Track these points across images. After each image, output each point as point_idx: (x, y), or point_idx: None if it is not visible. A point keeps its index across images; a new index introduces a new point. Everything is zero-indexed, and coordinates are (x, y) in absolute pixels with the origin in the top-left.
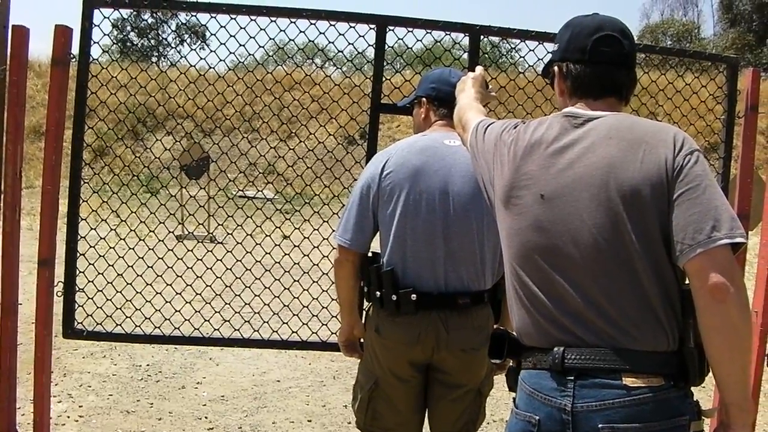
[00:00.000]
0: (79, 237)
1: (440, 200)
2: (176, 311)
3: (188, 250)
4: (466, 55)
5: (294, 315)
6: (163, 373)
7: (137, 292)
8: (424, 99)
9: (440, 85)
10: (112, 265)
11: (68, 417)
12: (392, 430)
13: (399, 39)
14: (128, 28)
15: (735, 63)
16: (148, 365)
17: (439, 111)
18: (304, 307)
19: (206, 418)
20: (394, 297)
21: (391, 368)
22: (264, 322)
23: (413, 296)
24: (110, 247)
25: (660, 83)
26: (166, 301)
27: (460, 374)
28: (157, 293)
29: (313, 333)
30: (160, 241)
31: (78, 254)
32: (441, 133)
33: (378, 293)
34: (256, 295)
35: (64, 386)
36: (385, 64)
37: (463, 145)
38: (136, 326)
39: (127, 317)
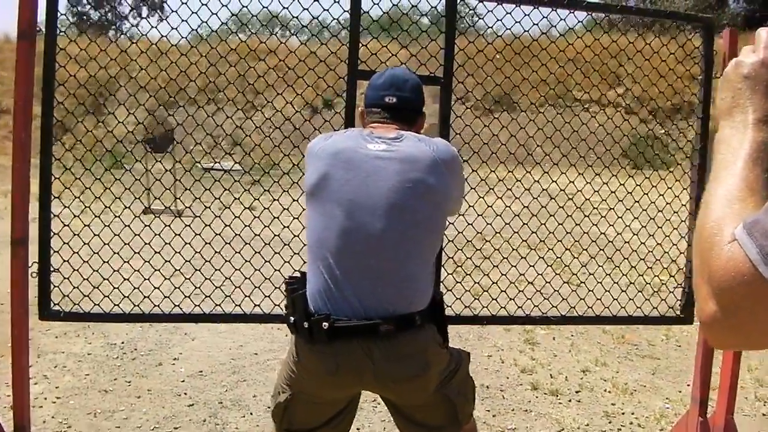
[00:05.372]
0: (52, 215)
1: (353, 211)
2: (155, 288)
3: (166, 226)
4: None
5: (276, 288)
6: (138, 350)
7: (115, 271)
8: (360, 110)
9: (367, 91)
10: (88, 243)
11: (45, 399)
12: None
13: (375, 4)
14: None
15: (710, 23)
16: (122, 343)
17: (367, 118)
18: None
19: (186, 394)
20: (306, 324)
21: (311, 393)
22: (246, 296)
23: (325, 324)
24: (76, 230)
25: (622, 44)
26: (146, 279)
27: (402, 402)
28: (135, 270)
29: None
30: (136, 217)
31: (52, 233)
32: (364, 135)
33: (292, 318)
34: (237, 269)
35: (39, 367)
36: (360, 29)
37: (389, 149)
38: (115, 305)
39: (105, 296)
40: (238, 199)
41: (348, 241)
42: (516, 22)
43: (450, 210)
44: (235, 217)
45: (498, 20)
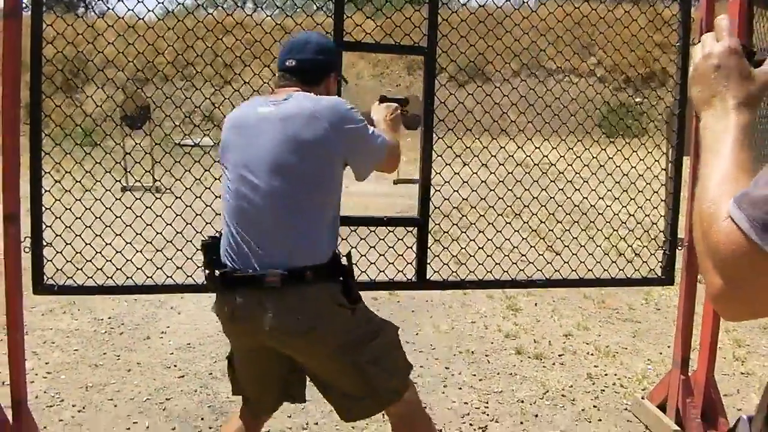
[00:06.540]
0: (43, 190)
1: (244, 174)
2: (148, 260)
3: (159, 200)
4: None
5: None
6: (125, 325)
7: (107, 244)
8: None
9: (280, 56)
10: (80, 218)
11: (36, 374)
12: (251, 398)
13: None
14: None
15: None
16: (109, 318)
17: (278, 81)
18: None
19: (175, 366)
20: (207, 272)
21: (233, 346)
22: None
23: (216, 272)
24: (60, 206)
25: (593, 15)
26: (138, 251)
27: (302, 360)
28: (127, 243)
29: None
30: (132, 193)
31: (44, 208)
32: (260, 100)
33: (206, 271)
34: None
35: (27, 344)
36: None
37: (274, 110)
38: (108, 278)
39: (98, 269)
40: (208, 170)
41: (240, 202)
42: None
43: (353, 166)
44: (206, 188)
45: None
